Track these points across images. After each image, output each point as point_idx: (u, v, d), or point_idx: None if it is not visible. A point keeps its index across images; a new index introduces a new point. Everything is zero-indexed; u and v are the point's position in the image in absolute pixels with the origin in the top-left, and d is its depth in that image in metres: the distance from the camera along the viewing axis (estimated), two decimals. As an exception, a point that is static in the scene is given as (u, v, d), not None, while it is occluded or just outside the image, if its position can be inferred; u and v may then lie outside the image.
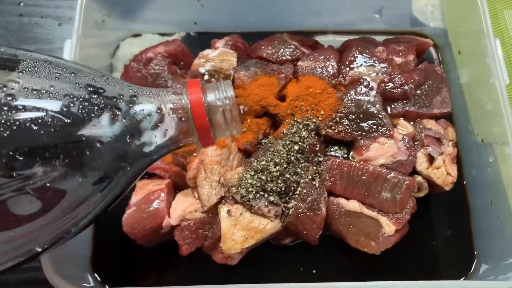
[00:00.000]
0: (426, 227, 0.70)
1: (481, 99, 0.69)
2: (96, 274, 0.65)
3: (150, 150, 0.43)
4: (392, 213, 0.65)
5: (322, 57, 0.73)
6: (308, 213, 0.64)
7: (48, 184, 0.37)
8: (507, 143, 0.62)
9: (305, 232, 0.64)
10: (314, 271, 0.66)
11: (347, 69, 0.72)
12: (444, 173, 0.67)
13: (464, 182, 0.72)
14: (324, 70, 0.72)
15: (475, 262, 0.68)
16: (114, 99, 0.41)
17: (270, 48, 0.74)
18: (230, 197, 0.64)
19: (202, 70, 0.72)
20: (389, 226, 0.64)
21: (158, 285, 0.64)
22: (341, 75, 0.71)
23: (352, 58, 0.72)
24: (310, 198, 0.64)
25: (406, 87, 0.70)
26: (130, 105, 0.42)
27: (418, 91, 0.70)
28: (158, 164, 0.67)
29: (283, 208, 0.64)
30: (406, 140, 0.67)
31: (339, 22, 0.83)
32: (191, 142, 0.45)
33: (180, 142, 0.45)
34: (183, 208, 0.64)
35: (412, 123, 0.70)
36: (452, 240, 0.69)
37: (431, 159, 0.67)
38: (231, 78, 0.71)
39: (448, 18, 0.80)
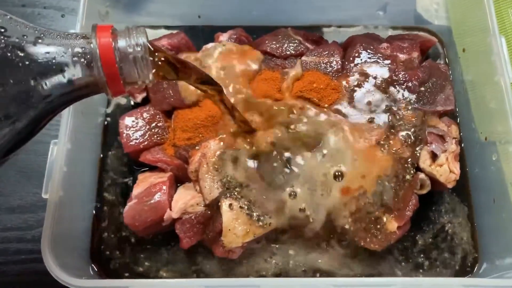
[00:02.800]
0: (429, 224, 0.70)
1: (485, 97, 0.69)
2: (96, 266, 0.65)
3: (55, 94, 0.41)
4: (395, 210, 0.64)
5: (326, 52, 0.73)
6: (309, 207, 0.63)
7: None
8: (510, 142, 0.62)
9: (306, 226, 0.64)
10: (315, 266, 0.66)
11: (351, 65, 0.71)
12: (447, 171, 0.67)
13: (468, 180, 0.72)
14: (328, 66, 0.71)
15: (478, 259, 0.67)
16: (17, 40, 0.40)
17: (274, 42, 0.74)
18: (232, 191, 0.63)
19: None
20: (391, 223, 0.64)
21: (158, 277, 0.64)
22: (345, 71, 0.71)
23: (356, 54, 0.72)
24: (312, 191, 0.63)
25: (410, 84, 0.69)
26: (34, 47, 0.40)
27: (422, 88, 0.70)
28: (160, 157, 0.67)
29: (286, 202, 0.63)
30: (410, 137, 0.67)
31: (343, 18, 0.82)
32: (101, 91, 0.44)
33: (89, 89, 0.43)
34: (185, 201, 0.64)
35: (415, 120, 0.69)
36: (455, 238, 0.69)
37: (434, 157, 0.67)
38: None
39: (453, 15, 0.80)
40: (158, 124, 0.69)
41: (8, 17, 0.41)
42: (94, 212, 0.68)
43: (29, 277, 0.67)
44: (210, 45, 0.73)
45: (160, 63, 0.48)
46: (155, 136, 0.68)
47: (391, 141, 0.67)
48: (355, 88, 0.69)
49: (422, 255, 0.67)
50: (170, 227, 0.64)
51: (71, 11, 0.85)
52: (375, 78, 0.70)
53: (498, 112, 0.65)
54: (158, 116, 0.69)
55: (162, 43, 0.73)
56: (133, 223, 0.63)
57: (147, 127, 0.69)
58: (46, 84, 0.40)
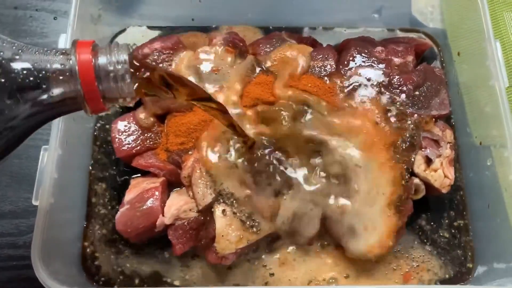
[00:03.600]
0: (424, 229, 0.69)
1: (480, 101, 0.69)
2: (87, 273, 0.64)
3: (33, 111, 0.40)
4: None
5: (321, 56, 0.72)
6: (303, 214, 0.63)
7: None
8: (505, 146, 0.62)
9: (300, 233, 0.64)
10: (309, 273, 0.65)
11: (346, 68, 0.71)
12: (441, 176, 0.67)
13: (463, 185, 0.72)
14: (322, 70, 0.71)
15: (473, 265, 0.67)
16: None
17: (268, 46, 0.74)
18: (225, 197, 0.62)
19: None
20: (386, 229, 0.63)
21: (149, 285, 0.64)
22: (339, 74, 0.70)
23: (351, 58, 0.72)
24: (305, 198, 0.63)
25: (404, 88, 0.69)
26: (11, 63, 0.39)
27: (417, 92, 0.70)
28: (153, 162, 0.66)
29: (279, 208, 0.63)
30: (404, 141, 0.66)
31: (338, 21, 0.82)
32: (79, 108, 0.43)
33: (68, 107, 0.42)
34: (177, 207, 0.63)
35: (410, 124, 0.68)
36: (450, 243, 0.68)
37: (428, 161, 0.67)
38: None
39: (448, 18, 0.80)
40: (151, 129, 0.68)
41: None
42: (85, 218, 0.67)
43: (20, 283, 0.66)
44: (203, 48, 0.72)
45: (144, 80, 0.46)
46: (148, 141, 0.68)
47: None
48: (350, 92, 0.69)
49: (418, 261, 0.67)
50: (163, 233, 0.63)
51: (63, 13, 0.84)
52: (369, 82, 0.70)
53: (492, 117, 0.64)
54: (150, 121, 0.68)
55: (155, 46, 0.72)
56: (125, 230, 0.63)
57: (140, 131, 0.68)
58: (23, 101, 0.39)
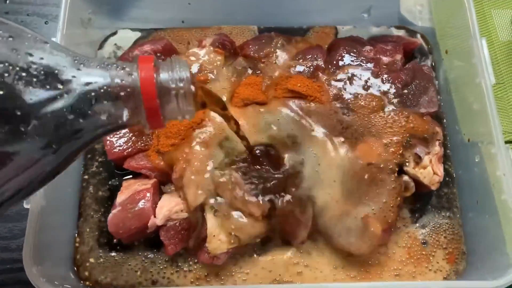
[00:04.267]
0: (415, 226, 0.69)
1: (468, 99, 0.69)
2: (79, 275, 0.64)
3: (92, 126, 0.39)
4: (379, 213, 0.64)
5: (310, 56, 0.73)
6: (295, 213, 0.63)
7: None
8: (492, 143, 0.62)
9: (292, 232, 0.64)
10: (301, 271, 0.65)
11: (335, 68, 0.72)
12: (430, 173, 0.67)
13: (454, 181, 0.72)
14: (311, 69, 0.71)
15: (464, 261, 0.67)
16: (56, 70, 0.37)
17: (257, 47, 0.74)
18: (217, 197, 0.63)
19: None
20: (375, 226, 0.63)
21: (142, 285, 0.64)
22: (328, 74, 0.71)
23: (340, 57, 0.72)
24: (297, 197, 0.63)
25: (393, 86, 0.70)
26: (74, 78, 0.38)
27: (405, 91, 0.70)
28: (145, 164, 0.67)
29: (271, 208, 0.63)
30: (393, 139, 0.67)
31: (327, 21, 0.82)
32: (139, 123, 0.41)
33: (127, 121, 0.41)
34: (169, 208, 0.63)
35: (399, 122, 0.69)
36: (441, 239, 0.69)
37: (417, 159, 0.67)
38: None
39: (436, 17, 0.80)
40: (142, 131, 0.68)
41: (48, 45, 0.39)
42: (77, 220, 0.67)
43: (14, 286, 0.66)
44: (193, 50, 0.73)
45: (198, 96, 0.45)
46: (139, 143, 0.68)
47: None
48: (339, 91, 0.69)
49: (407, 257, 0.67)
50: (155, 234, 0.64)
51: (54, 18, 0.84)
52: (358, 81, 0.70)
53: (480, 114, 0.65)
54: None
55: (146, 49, 0.73)
56: (117, 231, 0.63)
57: (131, 133, 0.68)
58: (83, 115, 0.38)
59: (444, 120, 0.75)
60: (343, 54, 0.73)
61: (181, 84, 0.41)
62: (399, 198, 0.66)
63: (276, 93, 0.69)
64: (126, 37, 0.80)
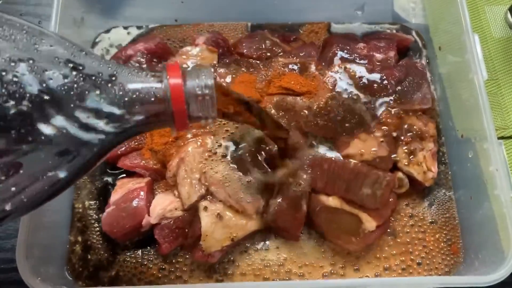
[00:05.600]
0: (408, 223, 0.69)
1: (461, 95, 0.69)
2: (73, 274, 0.64)
3: (123, 128, 0.42)
4: (373, 209, 0.64)
5: (303, 53, 0.73)
6: (289, 210, 0.63)
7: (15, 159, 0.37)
8: (485, 138, 0.62)
9: (286, 229, 0.64)
10: (297, 268, 0.66)
11: (328, 65, 0.72)
12: (424, 169, 0.67)
13: (448, 177, 0.72)
14: (305, 67, 0.71)
15: (459, 257, 0.67)
16: (93, 77, 0.40)
17: (251, 45, 0.74)
18: (211, 195, 0.63)
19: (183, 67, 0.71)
20: (369, 222, 0.64)
21: (137, 284, 0.64)
22: (321, 71, 0.71)
23: (333, 55, 0.72)
24: (291, 195, 0.63)
25: (386, 83, 0.70)
26: (109, 85, 0.41)
27: (399, 87, 0.70)
28: (138, 162, 0.67)
29: (265, 205, 0.63)
30: (387, 136, 0.67)
31: (321, 19, 0.82)
32: (165, 126, 0.46)
33: (154, 124, 0.45)
34: (163, 206, 0.63)
35: (393, 119, 0.69)
36: (437, 235, 0.68)
37: (411, 155, 0.67)
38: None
39: (429, 14, 0.81)
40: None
41: (84, 52, 0.41)
42: (71, 219, 0.67)
43: (8, 286, 0.66)
44: (186, 48, 0.73)
45: (223, 102, 0.50)
46: (133, 142, 0.68)
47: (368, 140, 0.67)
48: (332, 88, 0.69)
49: (402, 254, 0.67)
50: (149, 232, 0.64)
51: (47, 17, 0.83)
52: (352, 78, 0.70)
53: (472, 110, 0.65)
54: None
55: (139, 48, 0.73)
56: (111, 230, 0.63)
57: (125, 132, 0.68)
58: (116, 119, 0.41)
59: (438, 117, 0.75)
60: (337, 52, 0.73)
61: (206, 91, 0.45)
62: (393, 195, 0.66)
63: (270, 90, 0.69)
64: (119, 36, 0.80)
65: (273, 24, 0.80)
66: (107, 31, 0.80)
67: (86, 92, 0.39)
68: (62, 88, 0.38)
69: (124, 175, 0.69)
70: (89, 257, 0.65)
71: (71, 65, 0.39)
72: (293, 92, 0.69)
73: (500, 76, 0.78)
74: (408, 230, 0.69)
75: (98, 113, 0.40)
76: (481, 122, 0.63)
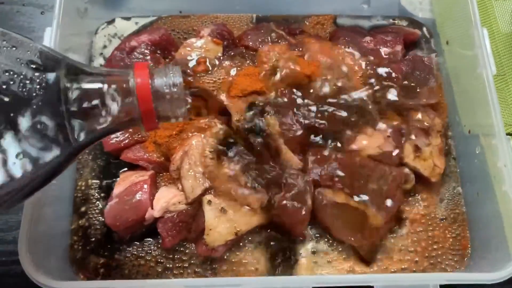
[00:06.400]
0: (419, 218, 0.68)
1: (468, 90, 0.68)
2: (76, 267, 0.64)
3: (89, 129, 0.42)
4: (379, 205, 0.63)
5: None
6: (293, 205, 0.62)
7: None
8: (493, 134, 0.61)
9: (290, 224, 0.64)
10: (302, 263, 0.65)
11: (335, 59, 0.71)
12: (431, 165, 0.67)
13: (456, 173, 0.71)
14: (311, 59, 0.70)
15: (467, 253, 0.66)
16: (57, 77, 0.40)
17: (256, 37, 0.73)
18: (215, 189, 0.62)
19: (188, 59, 0.70)
20: (376, 218, 0.63)
21: (139, 278, 0.63)
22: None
23: (340, 49, 0.72)
24: (295, 189, 0.63)
25: (393, 78, 0.69)
26: (74, 84, 0.40)
27: (406, 82, 0.70)
28: (141, 155, 0.66)
29: (269, 200, 0.63)
30: (393, 131, 0.66)
31: (327, 12, 0.81)
32: (134, 125, 0.45)
33: (122, 125, 0.44)
34: (167, 199, 0.63)
35: (399, 114, 0.68)
36: (446, 231, 0.68)
37: (417, 150, 0.67)
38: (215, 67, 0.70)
39: (436, 8, 0.80)
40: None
41: (48, 52, 0.41)
42: (73, 212, 0.67)
43: (10, 279, 0.66)
44: (191, 40, 0.72)
45: (191, 99, 0.51)
46: (136, 134, 0.67)
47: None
48: (338, 83, 0.69)
49: (408, 251, 0.66)
50: (152, 226, 0.63)
51: (50, 8, 0.83)
52: (358, 72, 0.69)
53: (480, 105, 0.64)
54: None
55: (143, 39, 0.72)
56: (114, 223, 0.62)
57: (128, 125, 0.68)
58: (82, 119, 0.41)
59: (445, 112, 0.74)
60: (343, 45, 0.72)
61: (174, 89, 0.44)
62: (399, 191, 0.65)
63: (275, 80, 0.68)
64: (122, 27, 0.79)
65: (279, 15, 0.79)
66: (110, 22, 0.79)
67: (51, 93, 0.39)
68: (24, 90, 0.38)
69: (127, 168, 0.68)
70: (91, 250, 0.65)
71: (33, 66, 0.39)
72: (299, 77, 0.68)
73: (507, 72, 0.77)
74: (415, 225, 0.68)
75: (63, 113, 0.39)
76: (489, 117, 0.62)
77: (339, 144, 0.66)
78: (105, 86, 0.42)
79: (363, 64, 0.70)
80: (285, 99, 0.67)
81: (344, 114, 0.67)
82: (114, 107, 0.42)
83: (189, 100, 0.51)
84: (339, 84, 0.68)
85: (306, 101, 0.67)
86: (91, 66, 0.43)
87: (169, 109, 0.45)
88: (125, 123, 0.44)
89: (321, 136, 0.67)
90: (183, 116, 0.46)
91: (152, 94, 0.43)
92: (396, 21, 0.81)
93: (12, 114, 0.37)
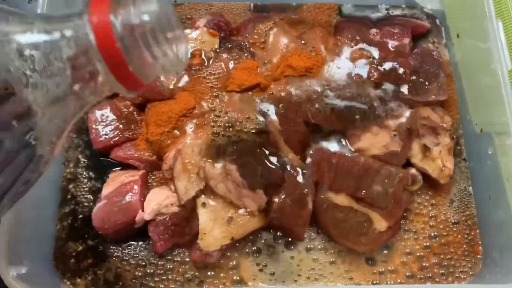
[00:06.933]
0: (427, 221, 0.65)
1: (481, 86, 0.66)
2: (59, 272, 0.61)
3: (51, 98, 0.31)
4: (384, 208, 0.61)
5: (313, 39, 0.69)
6: (293, 208, 0.60)
7: None
8: (508, 133, 0.58)
9: (290, 228, 0.62)
10: (301, 270, 0.62)
11: (339, 51, 0.68)
12: (439, 165, 0.64)
13: (466, 175, 0.68)
14: (314, 52, 0.67)
15: (479, 258, 0.64)
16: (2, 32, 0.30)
17: (255, 29, 0.70)
18: (210, 190, 0.60)
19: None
20: (380, 222, 0.61)
21: (128, 284, 0.61)
22: (332, 58, 0.67)
23: (344, 41, 0.69)
24: (296, 191, 0.60)
25: (400, 73, 0.66)
26: (22, 35, 0.31)
27: (413, 77, 0.67)
28: (132, 154, 0.64)
29: (268, 202, 0.60)
30: (400, 129, 0.64)
31: (331, 0, 0.77)
32: (112, 88, 0.33)
33: (95, 90, 0.33)
34: (158, 201, 0.60)
35: (406, 111, 0.65)
36: (457, 235, 0.65)
37: (426, 150, 0.64)
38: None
39: (447, -1, 0.76)
40: (130, 118, 0.65)
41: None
42: (58, 214, 0.64)
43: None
44: (186, 31, 0.69)
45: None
46: (127, 131, 0.65)
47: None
48: (342, 77, 0.66)
49: (416, 257, 0.63)
50: (143, 228, 0.61)
51: (37, -4, 0.80)
52: (364, 66, 0.67)
53: (494, 102, 0.61)
54: (130, 109, 0.66)
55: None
56: (102, 226, 0.60)
57: (118, 121, 0.65)
58: (40, 84, 0.31)
59: (455, 109, 0.71)
60: (348, 37, 0.69)
61: (147, 18, 0.31)
62: (405, 193, 0.63)
63: (276, 74, 0.66)
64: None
65: (277, 4, 0.76)
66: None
67: None
68: None
69: (118, 167, 0.65)
70: (78, 254, 0.62)
71: None
72: (300, 70, 0.65)
73: (521, 67, 0.74)
74: (422, 229, 0.65)
75: (14, 76, 0.30)
76: (503, 115, 0.59)
77: (342, 143, 0.64)
78: (56, 36, 0.31)
79: (369, 58, 0.67)
80: (286, 95, 0.64)
81: (347, 111, 0.64)
82: (75, 64, 0.31)
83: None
84: (343, 79, 0.65)
85: (307, 96, 0.64)
86: (43, 14, 0.32)
87: (148, 54, 0.32)
88: (97, 88, 0.32)
89: (323, 134, 0.65)
90: (182, 63, 0.34)
91: (118, 33, 0.31)
92: (406, 12, 0.77)
93: None
